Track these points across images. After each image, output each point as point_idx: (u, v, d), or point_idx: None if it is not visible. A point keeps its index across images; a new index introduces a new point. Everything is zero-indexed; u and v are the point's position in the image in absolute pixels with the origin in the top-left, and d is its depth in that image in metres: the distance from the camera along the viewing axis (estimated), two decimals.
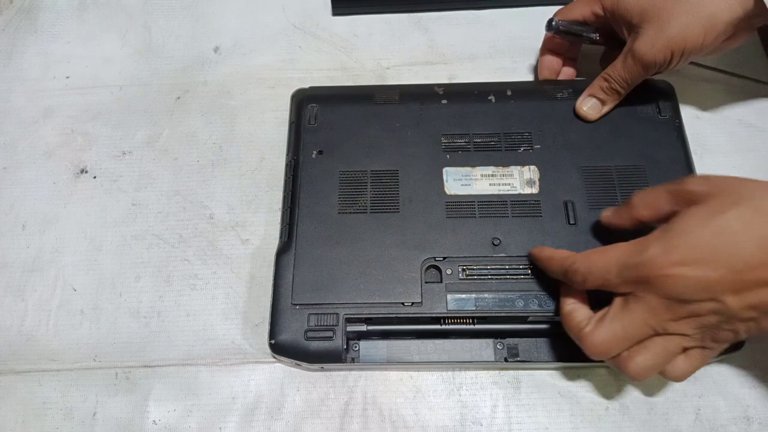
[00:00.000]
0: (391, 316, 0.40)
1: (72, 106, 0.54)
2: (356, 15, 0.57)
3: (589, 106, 0.46)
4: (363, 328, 0.41)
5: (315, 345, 0.40)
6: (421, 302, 0.40)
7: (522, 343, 0.41)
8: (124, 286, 0.46)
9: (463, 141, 0.46)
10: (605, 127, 0.46)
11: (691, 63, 0.47)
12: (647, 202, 0.36)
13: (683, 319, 0.32)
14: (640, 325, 0.33)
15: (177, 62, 0.56)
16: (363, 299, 0.41)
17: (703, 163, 0.48)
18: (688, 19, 0.40)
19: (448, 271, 0.41)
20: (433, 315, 0.40)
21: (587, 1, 0.46)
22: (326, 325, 0.40)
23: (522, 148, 0.45)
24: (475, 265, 0.41)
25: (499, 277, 0.41)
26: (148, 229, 0.48)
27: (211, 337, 0.44)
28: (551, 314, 0.39)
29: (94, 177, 0.51)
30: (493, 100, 0.47)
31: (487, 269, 0.41)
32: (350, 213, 0.44)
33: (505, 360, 0.41)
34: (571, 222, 0.42)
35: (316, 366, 0.41)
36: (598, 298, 0.36)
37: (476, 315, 0.40)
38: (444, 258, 0.42)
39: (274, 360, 0.43)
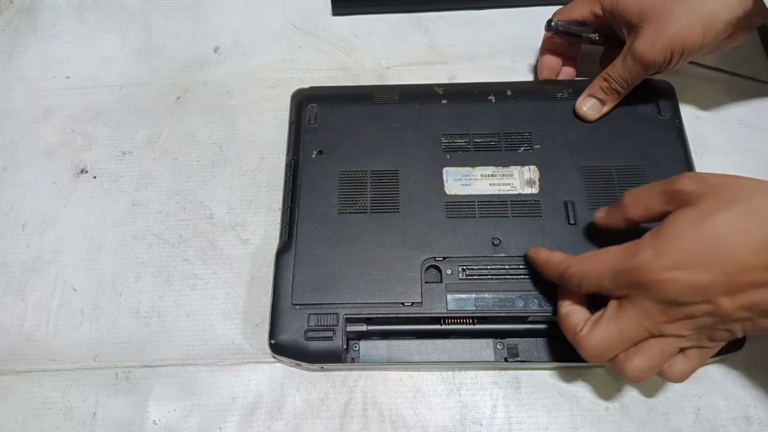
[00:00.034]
0: (391, 316, 0.40)
1: (72, 106, 0.54)
2: (356, 15, 0.57)
3: (588, 106, 0.46)
4: (363, 328, 0.41)
5: (315, 345, 0.40)
6: (421, 302, 0.40)
7: (522, 343, 0.41)
8: (124, 286, 0.46)
9: (463, 141, 0.46)
10: (605, 127, 0.46)
11: (691, 63, 0.47)
12: (638, 202, 0.36)
13: (678, 321, 0.32)
14: (635, 328, 0.33)
15: (177, 62, 0.56)
16: (363, 299, 0.41)
17: (703, 163, 0.48)
18: (688, 19, 0.40)
19: (448, 271, 0.41)
20: (433, 315, 0.40)
21: (586, 2, 0.46)
22: (326, 325, 0.40)
23: (522, 148, 0.45)
24: (475, 265, 0.41)
25: (499, 277, 0.41)
26: (148, 229, 0.48)
27: (211, 337, 0.44)
28: (551, 314, 0.39)
29: (94, 177, 0.51)
30: (493, 100, 0.47)
31: (487, 269, 0.41)
32: (350, 213, 0.44)
33: (505, 360, 0.41)
34: (571, 222, 0.42)
35: (316, 366, 0.41)
36: (597, 298, 0.36)
37: (476, 315, 0.40)
38: (444, 258, 0.42)
39: (274, 360, 0.43)
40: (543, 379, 0.42)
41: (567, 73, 0.51)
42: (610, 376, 0.42)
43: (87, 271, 0.47)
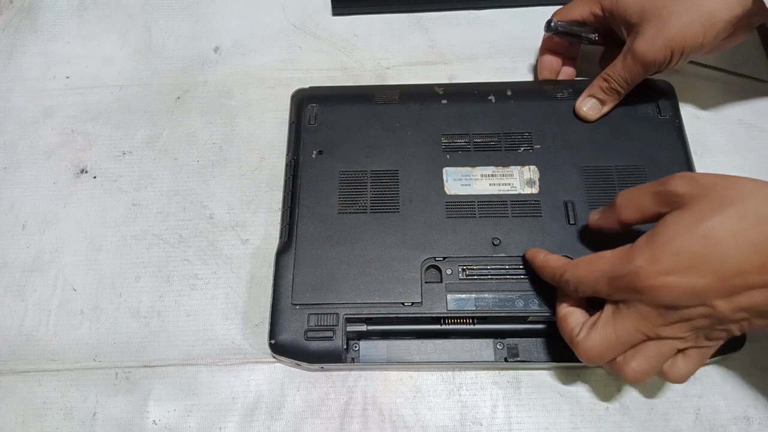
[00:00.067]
0: (391, 316, 0.40)
1: (72, 106, 0.54)
2: (356, 15, 0.57)
3: (588, 106, 0.46)
4: (363, 328, 0.41)
5: (315, 345, 0.40)
6: (421, 302, 0.40)
7: (522, 343, 0.41)
8: (124, 286, 0.46)
9: (463, 141, 0.46)
10: (605, 127, 0.46)
11: (691, 62, 0.47)
12: (632, 204, 0.36)
13: (675, 324, 0.32)
14: (631, 332, 0.33)
15: (177, 62, 0.56)
16: (363, 299, 0.41)
17: (703, 163, 0.48)
18: (688, 18, 0.40)
19: (448, 271, 0.41)
20: (433, 315, 0.40)
21: (586, 2, 0.46)
22: (326, 325, 0.40)
23: (522, 148, 0.45)
24: (475, 265, 0.41)
25: (499, 277, 0.41)
26: (148, 229, 0.48)
27: (211, 337, 0.44)
28: (551, 314, 0.39)
29: (94, 177, 0.51)
30: (493, 100, 0.47)
31: (487, 269, 0.41)
32: (350, 213, 0.44)
33: (505, 360, 0.41)
34: (571, 222, 0.42)
35: (316, 366, 0.41)
36: (596, 299, 0.36)
37: (476, 315, 0.40)
38: (444, 258, 0.42)
39: (274, 360, 0.43)
40: (543, 379, 0.42)
41: (567, 73, 0.51)
42: (609, 376, 0.42)
43: (87, 271, 0.47)
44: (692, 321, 0.32)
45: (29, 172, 0.51)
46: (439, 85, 0.49)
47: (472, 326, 0.40)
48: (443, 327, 0.41)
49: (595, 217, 0.39)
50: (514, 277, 0.41)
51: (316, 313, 0.41)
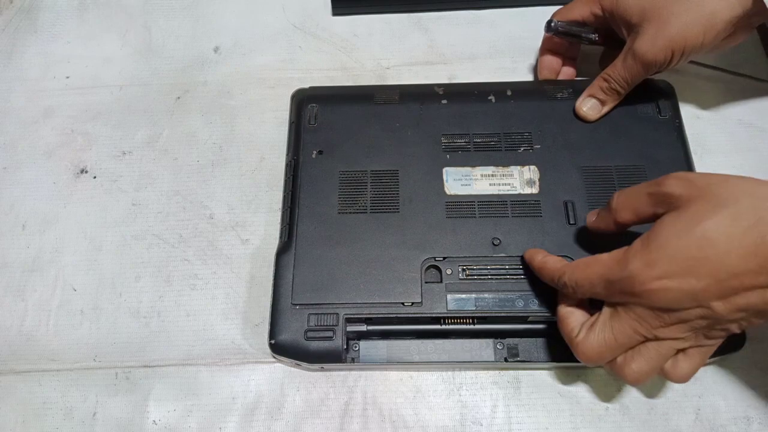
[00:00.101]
0: (391, 316, 0.40)
1: (72, 106, 0.54)
2: (356, 15, 0.57)
3: (588, 106, 0.46)
4: (363, 328, 0.41)
5: (315, 345, 0.40)
6: (421, 302, 0.40)
7: (522, 343, 0.41)
8: (124, 286, 0.46)
9: (463, 141, 0.46)
10: (605, 127, 0.46)
11: (691, 62, 0.47)
12: (627, 206, 0.35)
13: (673, 325, 0.32)
14: (629, 333, 0.33)
15: (177, 62, 0.56)
16: (363, 299, 0.41)
17: (703, 163, 0.48)
18: (688, 18, 0.40)
19: (448, 271, 0.41)
20: (433, 315, 0.40)
21: (586, 2, 0.46)
22: (326, 325, 0.40)
23: (522, 148, 0.45)
24: (475, 265, 0.41)
25: (499, 277, 0.41)
26: (148, 229, 0.48)
27: (211, 337, 0.44)
28: (551, 314, 0.39)
29: (94, 177, 0.51)
30: (493, 100, 0.47)
31: (487, 269, 0.41)
32: (350, 213, 0.44)
33: (505, 360, 0.41)
34: (571, 222, 0.42)
35: (316, 366, 0.41)
36: (596, 300, 0.36)
37: (476, 315, 0.40)
38: (444, 258, 0.42)
39: (274, 360, 0.43)
40: (543, 379, 0.42)
41: (567, 73, 0.51)
42: (610, 376, 0.42)
43: (87, 271, 0.47)
44: (690, 322, 0.32)
45: (29, 172, 0.51)
46: (439, 85, 0.49)
47: (472, 326, 0.40)
48: (443, 327, 0.41)
49: (592, 219, 0.39)
50: (514, 277, 0.41)
51: (316, 313, 0.41)
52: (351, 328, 0.41)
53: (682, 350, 0.34)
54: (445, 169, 0.45)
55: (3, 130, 0.53)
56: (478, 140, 0.46)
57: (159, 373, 0.43)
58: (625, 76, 0.44)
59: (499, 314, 0.40)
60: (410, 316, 0.40)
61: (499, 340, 0.41)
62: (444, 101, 0.48)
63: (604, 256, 0.34)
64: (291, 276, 0.42)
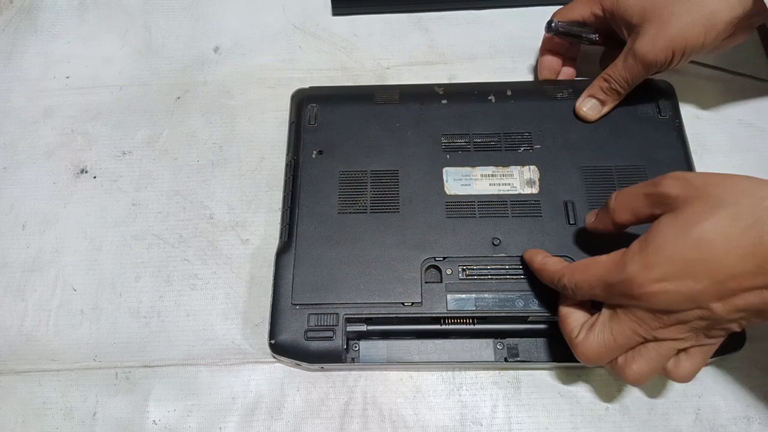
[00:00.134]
0: (391, 316, 0.40)
1: (72, 106, 0.54)
2: (356, 15, 0.57)
3: (588, 106, 0.46)
4: (363, 328, 0.41)
5: (315, 345, 0.40)
6: (421, 302, 0.40)
7: (522, 343, 0.41)
8: (124, 286, 0.46)
9: (463, 141, 0.46)
10: (605, 127, 0.46)
11: (692, 62, 0.47)
12: (625, 206, 0.35)
13: (672, 326, 0.32)
14: (629, 335, 0.33)
15: (177, 62, 0.56)
16: (363, 299, 0.41)
17: (703, 163, 0.48)
18: (689, 18, 0.40)
19: (448, 271, 0.41)
20: (433, 315, 0.40)
21: (586, 2, 0.46)
22: (326, 325, 0.40)
23: (522, 148, 0.45)
24: (475, 265, 0.41)
25: (499, 277, 0.41)
26: (148, 229, 0.48)
27: (211, 337, 0.44)
28: (551, 314, 0.39)
29: (94, 177, 0.51)
30: (493, 100, 0.47)
31: (487, 269, 0.41)
32: (350, 213, 0.44)
33: (505, 360, 0.41)
34: (571, 222, 0.42)
35: (316, 366, 0.41)
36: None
37: (476, 315, 0.40)
38: (444, 258, 0.42)
39: (274, 360, 0.43)
40: (543, 379, 0.42)
41: (567, 73, 0.51)
42: (610, 376, 0.42)
43: (87, 271, 0.47)
44: (689, 323, 0.32)
45: (29, 172, 0.51)
46: (439, 85, 0.49)
47: (472, 326, 0.40)
48: (443, 327, 0.41)
49: (591, 219, 0.39)
50: (514, 277, 0.41)
51: (316, 313, 0.41)
52: (351, 328, 0.41)
53: (684, 350, 0.34)
54: (445, 169, 0.45)
55: (3, 130, 0.53)
56: (478, 140, 0.46)
57: (159, 373, 0.43)
58: (626, 76, 0.44)
59: (499, 314, 0.40)
60: (410, 316, 0.40)
61: (499, 340, 0.41)
62: (444, 101, 0.48)
63: (603, 258, 0.34)
64: (291, 276, 0.42)
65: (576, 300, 0.37)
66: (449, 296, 0.41)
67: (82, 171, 0.51)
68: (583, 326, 0.35)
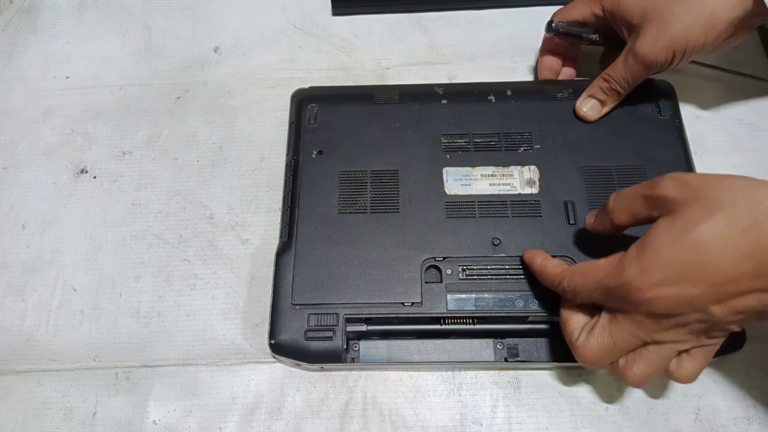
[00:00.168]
0: (391, 316, 0.40)
1: (72, 106, 0.54)
2: (356, 15, 0.57)
3: (588, 107, 0.46)
4: (363, 328, 0.41)
5: (315, 345, 0.40)
6: (421, 302, 0.40)
7: (522, 343, 0.41)
8: (124, 286, 0.46)
9: (463, 141, 0.46)
10: (605, 127, 0.46)
11: (692, 62, 0.47)
12: (623, 207, 0.35)
13: (671, 329, 0.32)
14: (628, 338, 0.33)
15: (177, 62, 0.56)
16: (363, 299, 0.41)
17: (703, 163, 0.48)
18: (690, 19, 0.40)
19: (448, 271, 0.41)
20: (433, 315, 0.40)
21: (586, 2, 0.46)
22: (326, 325, 0.40)
23: (522, 148, 0.45)
24: (475, 265, 0.41)
25: (499, 277, 0.41)
26: (148, 229, 0.48)
27: (211, 337, 0.44)
28: (551, 314, 0.39)
29: (94, 177, 0.51)
30: (493, 100, 0.47)
31: (487, 269, 0.41)
32: (350, 213, 0.44)
33: (505, 360, 0.41)
34: (571, 222, 0.42)
35: (316, 366, 0.41)
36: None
37: (476, 315, 0.40)
38: (444, 258, 0.42)
39: (274, 360, 0.43)
40: (543, 379, 0.42)
41: (567, 73, 0.51)
42: (610, 376, 0.42)
43: (87, 271, 0.47)
44: (689, 325, 0.32)
45: (29, 172, 0.51)
46: (439, 85, 0.48)
47: (472, 326, 0.40)
48: (443, 327, 0.41)
49: (590, 220, 0.39)
50: (514, 277, 0.41)
51: (316, 313, 0.41)
52: (351, 328, 0.41)
53: (685, 351, 0.34)
54: (445, 169, 0.45)
55: (3, 130, 0.53)
56: (478, 140, 0.46)
57: (159, 373, 0.43)
58: (626, 76, 0.44)
59: (499, 314, 0.40)
60: (410, 316, 0.40)
61: (499, 340, 0.41)
62: (444, 101, 0.48)
63: (601, 263, 0.34)
64: (291, 276, 0.42)
65: (576, 302, 0.37)
66: (449, 296, 0.41)
67: (82, 171, 0.51)
68: (584, 329, 0.35)
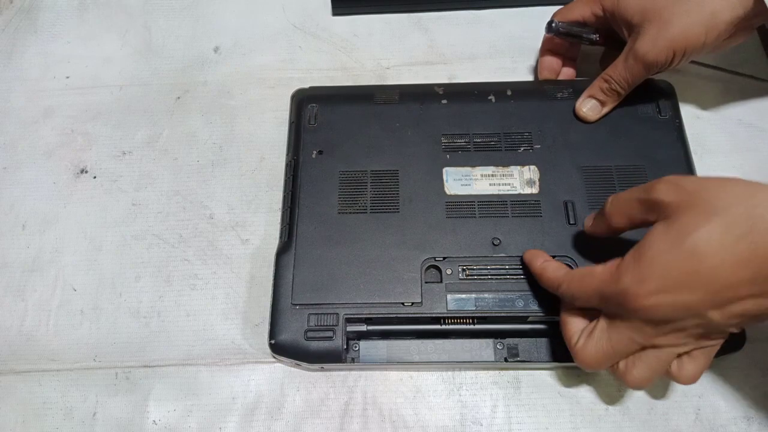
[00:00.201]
0: (391, 316, 0.40)
1: (72, 106, 0.54)
2: (356, 15, 0.57)
3: (588, 107, 0.46)
4: (363, 328, 0.41)
5: (315, 345, 0.40)
6: (421, 302, 0.40)
7: (522, 343, 0.41)
8: (124, 286, 0.46)
9: (463, 141, 0.46)
10: (605, 127, 0.46)
11: (691, 62, 0.47)
12: (620, 211, 0.35)
13: (670, 334, 0.32)
14: (627, 342, 0.33)
15: (177, 62, 0.56)
16: (363, 299, 0.41)
17: (703, 163, 0.48)
18: (690, 19, 0.40)
19: (448, 271, 0.41)
20: (433, 315, 0.40)
21: (587, 2, 0.46)
22: (326, 325, 0.40)
23: (522, 148, 0.45)
24: (475, 265, 0.41)
25: (499, 277, 0.41)
26: (148, 229, 0.48)
27: (211, 337, 0.44)
28: (551, 315, 0.39)
29: (94, 177, 0.51)
30: (493, 100, 0.47)
31: (487, 269, 0.41)
32: (350, 213, 0.44)
33: (505, 360, 0.41)
34: (571, 222, 0.42)
35: (316, 366, 0.41)
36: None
37: (476, 315, 0.40)
38: (444, 258, 0.42)
39: (274, 360, 0.43)
40: (543, 379, 0.42)
41: (567, 73, 0.51)
42: (610, 376, 0.42)
43: (87, 271, 0.47)
44: (687, 330, 0.32)
45: (29, 172, 0.51)
46: (439, 85, 0.48)
47: (472, 326, 0.40)
48: (443, 327, 0.41)
49: (589, 223, 0.39)
50: (514, 277, 0.41)
51: (316, 313, 0.41)
52: (351, 328, 0.41)
53: (686, 352, 0.34)
54: (445, 169, 0.45)
55: (3, 130, 0.53)
56: (478, 140, 0.46)
57: (159, 373, 0.43)
58: (626, 76, 0.44)
59: (499, 314, 0.40)
60: (410, 316, 0.40)
61: (499, 340, 0.41)
62: (444, 101, 0.48)
63: (598, 270, 0.33)
64: (291, 276, 0.42)
65: (575, 306, 0.37)
66: (449, 296, 0.41)
67: (82, 171, 0.51)
68: (583, 333, 0.35)
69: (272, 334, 0.40)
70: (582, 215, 0.42)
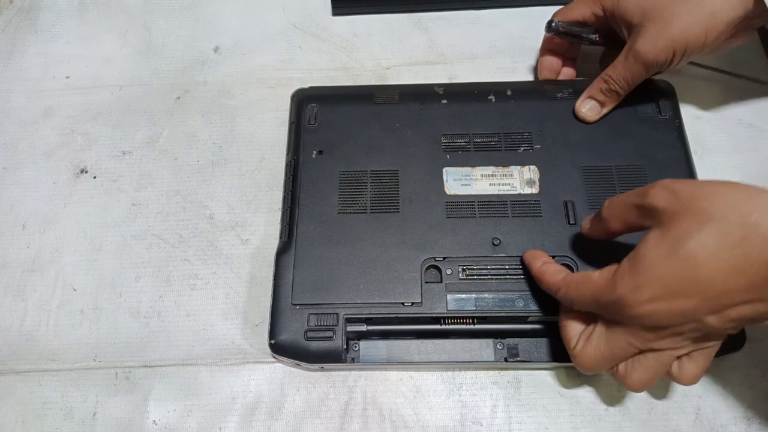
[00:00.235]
0: (391, 316, 0.40)
1: (72, 106, 0.54)
2: (356, 15, 0.57)
3: (588, 107, 0.46)
4: (363, 328, 0.41)
5: (315, 345, 0.40)
6: (421, 302, 0.40)
7: (522, 343, 0.41)
8: (124, 286, 0.46)
9: (463, 141, 0.46)
10: (605, 127, 0.46)
11: (691, 63, 0.47)
12: (616, 216, 0.35)
13: (668, 338, 0.32)
14: (625, 347, 0.33)
15: (177, 62, 0.56)
16: (363, 299, 0.41)
17: (703, 163, 0.48)
18: (690, 19, 0.40)
19: (448, 271, 0.41)
20: (433, 315, 0.40)
21: (587, 2, 0.46)
22: (326, 325, 0.40)
23: (522, 148, 0.45)
24: (475, 265, 0.41)
25: (499, 277, 0.41)
26: (148, 229, 0.48)
27: (211, 337, 0.44)
28: (551, 315, 0.39)
29: (94, 177, 0.51)
30: (493, 100, 0.47)
31: (487, 269, 0.41)
32: (350, 213, 0.44)
33: (505, 360, 0.41)
34: (571, 222, 0.42)
35: (316, 366, 0.41)
36: None
37: (476, 315, 0.40)
38: (444, 258, 0.42)
39: (274, 360, 0.43)
40: (543, 379, 0.42)
41: (567, 73, 0.51)
42: (610, 376, 0.42)
43: (87, 271, 0.47)
44: (684, 333, 0.32)
45: (29, 172, 0.51)
46: (439, 85, 0.48)
47: (472, 326, 0.40)
48: (443, 327, 0.41)
49: (586, 226, 0.39)
50: (514, 277, 0.41)
51: (316, 313, 0.41)
52: (351, 328, 0.41)
53: (686, 354, 0.34)
54: (445, 169, 0.45)
55: (3, 130, 0.53)
56: (478, 140, 0.46)
57: (159, 373, 0.43)
58: (626, 76, 0.44)
59: (499, 314, 0.40)
60: (410, 316, 0.40)
61: (499, 340, 0.41)
62: (444, 101, 0.48)
63: (595, 276, 0.33)
64: (291, 276, 0.42)
65: (574, 309, 0.37)
66: (449, 296, 0.41)
67: (82, 171, 0.51)
68: (581, 336, 0.35)
69: (272, 334, 0.40)
70: (582, 215, 0.42)
